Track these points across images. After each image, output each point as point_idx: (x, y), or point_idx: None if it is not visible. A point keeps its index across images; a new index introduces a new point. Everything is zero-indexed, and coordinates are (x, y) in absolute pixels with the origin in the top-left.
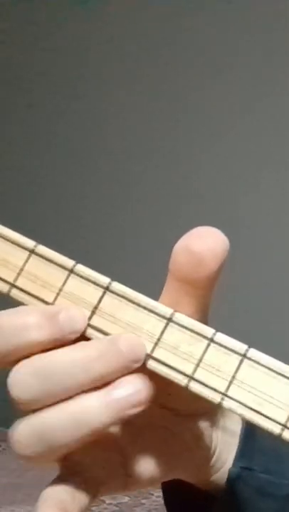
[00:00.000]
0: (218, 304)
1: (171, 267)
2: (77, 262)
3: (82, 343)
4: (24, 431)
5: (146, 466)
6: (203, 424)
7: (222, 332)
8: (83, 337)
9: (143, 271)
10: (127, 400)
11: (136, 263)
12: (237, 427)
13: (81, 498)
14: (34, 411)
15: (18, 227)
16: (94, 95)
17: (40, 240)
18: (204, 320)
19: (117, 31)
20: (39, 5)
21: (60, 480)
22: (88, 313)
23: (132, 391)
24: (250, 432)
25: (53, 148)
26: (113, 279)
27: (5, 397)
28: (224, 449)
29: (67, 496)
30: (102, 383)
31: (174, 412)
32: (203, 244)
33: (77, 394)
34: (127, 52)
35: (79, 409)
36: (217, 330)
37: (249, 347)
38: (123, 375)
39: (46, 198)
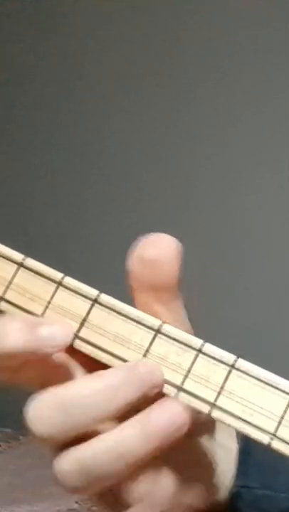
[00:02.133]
0: (214, 307)
1: (131, 281)
2: (65, 275)
3: (100, 372)
4: (66, 467)
5: (148, 488)
6: (203, 443)
7: (224, 334)
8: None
9: None
10: (165, 426)
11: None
12: (233, 443)
13: None
14: (69, 444)
15: (11, 234)
16: (94, 95)
17: (34, 246)
18: (185, 321)
19: (117, 31)
20: (39, 4)
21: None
22: (77, 326)
23: (168, 416)
24: (246, 448)
25: (52, 150)
26: (109, 287)
27: (4, 398)
28: (222, 466)
29: None
30: (125, 411)
31: None
32: (155, 251)
33: (105, 424)
34: (127, 52)
35: (119, 439)
36: (217, 334)
37: (238, 357)
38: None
39: (40, 205)
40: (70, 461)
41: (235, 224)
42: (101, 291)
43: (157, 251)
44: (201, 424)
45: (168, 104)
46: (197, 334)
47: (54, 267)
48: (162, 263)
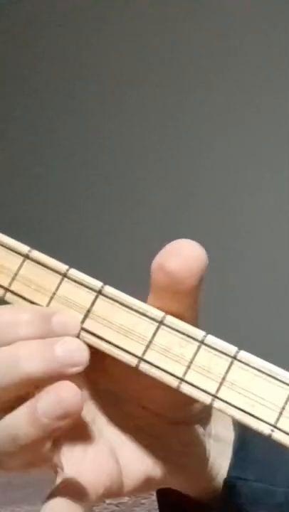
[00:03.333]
0: (214, 305)
1: (151, 286)
2: (70, 267)
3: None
4: None
5: (140, 472)
6: (196, 433)
7: (226, 327)
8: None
9: (139, 273)
10: (52, 410)
11: (132, 265)
12: (230, 436)
13: (81, 507)
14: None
15: (17, 227)
16: (94, 95)
17: (40, 239)
18: (194, 324)
19: (117, 30)
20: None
21: (57, 491)
22: (81, 317)
23: (55, 399)
24: (243, 441)
25: (52, 150)
26: (113, 279)
27: None
28: (217, 457)
29: (68, 507)
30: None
31: (167, 420)
32: (178, 262)
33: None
34: (127, 51)
35: (9, 421)
36: (218, 328)
37: (239, 349)
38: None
39: (45, 199)
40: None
41: (236, 222)
42: (105, 283)
43: (180, 263)
44: (193, 415)
45: (168, 103)
46: (201, 327)
47: (59, 260)
48: (184, 275)
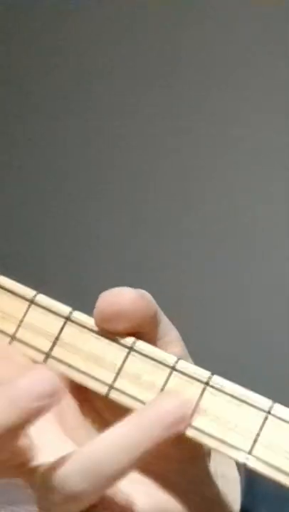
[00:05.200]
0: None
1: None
2: (37, 292)
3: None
4: (68, 468)
5: None
6: (204, 469)
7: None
8: None
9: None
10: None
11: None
12: (233, 472)
13: None
14: None
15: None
16: (94, 95)
17: (10, 259)
18: (177, 342)
19: (117, 30)
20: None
21: None
22: (49, 344)
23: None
24: (251, 477)
25: (51, 151)
26: (83, 301)
27: None
28: (227, 495)
29: None
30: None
31: (169, 457)
32: (119, 322)
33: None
34: (128, 50)
35: (120, 434)
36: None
37: (212, 374)
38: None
39: (42, 202)
40: (74, 462)
41: (235, 226)
42: (75, 308)
43: (121, 320)
44: (189, 453)
45: (168, 103)
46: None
47: (29, 278)
48: (131, 325)
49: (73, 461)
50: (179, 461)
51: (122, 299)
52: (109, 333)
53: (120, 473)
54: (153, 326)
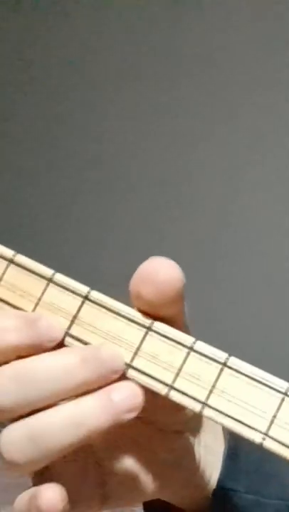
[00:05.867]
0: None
1: (133, 302)
2: (56, 271)
3: (64, 349)
4: (16, 435)
5: (126, 485)
6: (187, 443)
7: (224, 332)
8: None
9: (127, 277)
10: (124, 403)
11: (119, 269)
12: (220, 448)
13: None
14: (23, 416)
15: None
16: (94, 95)
17: (25, 242)
18: (183, 327)
19: (116, 30)
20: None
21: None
22: (67, 323)
23: (129, 394)
24: (234, 453)
25: (50, 151)
26: (100, 283)
27: None
28: (207, 468)
29: None
30: (82, 391)
31: (157, 429)
32: (153, 290)
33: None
34: (128, 50)
35: (77, 410)
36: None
37: (230, 355)
38: (106, 384)
39: (42, 200)
40: (21, 429)
41: (233, 225)
42: (92, 288)
43: (154, 290)
44: (184, 422)
45: (168, 103)
46: (192, 330)
47: (46, 264)
48: (160, 302)
49: (16, 430)
50: (164, 431)
51: (163, 273)
52: (127, 312)
53: (63, 448)
54: (179, 309)
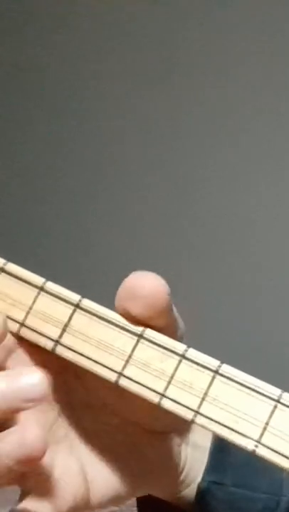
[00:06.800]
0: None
1: (122, 315)
2: (47, 279)
3: None
4: None
5: (109, 484)
6: (173, 442)
7: (221, 335)
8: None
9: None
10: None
11: (111, 277)
12: (207, 443)
13: None
14: None
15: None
16: (94, 95)
17: (20, 247)
18: (174, 334)
19: (116, 30)
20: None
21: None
22: (58, 332)
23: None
24: (221, 447)
25: (50, 150)
26: (92, 291)
27: None
28: (194, 465)
29: None
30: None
31: (143, 429)
32: (139, 305)
33: None
34: (127, 50)
35: None
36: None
37: (222, 363)
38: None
39: (34, 208)
40: None
41: (235, 228)
42: (83, 296)
43: (141, 305)
44: (171, 423)
45: (168, 103)
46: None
47: (37, 272)
48: (148, 314)
49: None
50: (151, 432)
51: (147, 287)
52: (118, 320)
53: None
54: (168, 320)
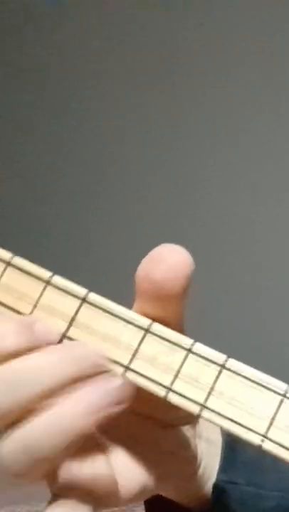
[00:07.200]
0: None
1: (137, 294)
2: (54, 273)
3: (48, 347)
4: (9, 446)
5: (135, 477)
6: (187, 435)
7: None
8: None
9: (125, 279)
10: (105, 399)
11: (117, 271)
12: (218, 438)
13: None
14: (12, 425)
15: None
16: (94, 95)
17: (23, 244)
18: (180, 329)
19: (116, 30)
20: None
21: (55, 501)
22: (65, 325)
23: (109, 388)
24: (232, 444)
25: (50, 150)
26: (98, 284)
27: None
28: (210, 460)
29: None
30: (72, 387)
31: (157, 423)
32: (163, 271)
33: (52, 400)
34: (127, 50)
35: (61, 413)
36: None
37: (228, 357)
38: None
39: (40, 202)
40: (12, 441)
41: (236, 227)
42: (90, 290)
43: (165, 270)
44: (183, 416)
45: (168, 103)
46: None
47: (44, 266)
48: (169, 283)
49: (11, 440)
50: (164, 426)
51: (174, 260)
52: (125, 314)
53: (57, 454)
54: (179, 305)
